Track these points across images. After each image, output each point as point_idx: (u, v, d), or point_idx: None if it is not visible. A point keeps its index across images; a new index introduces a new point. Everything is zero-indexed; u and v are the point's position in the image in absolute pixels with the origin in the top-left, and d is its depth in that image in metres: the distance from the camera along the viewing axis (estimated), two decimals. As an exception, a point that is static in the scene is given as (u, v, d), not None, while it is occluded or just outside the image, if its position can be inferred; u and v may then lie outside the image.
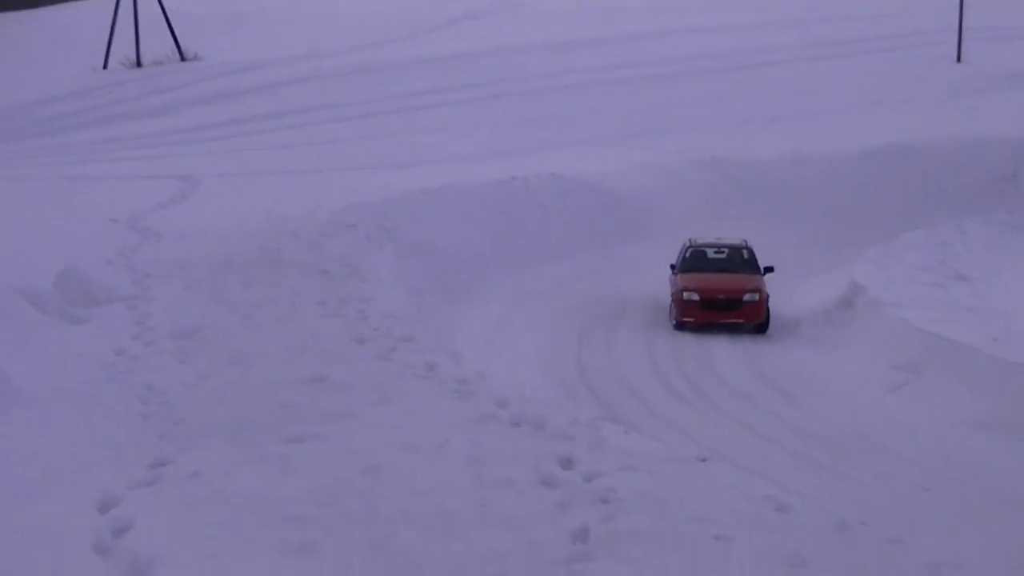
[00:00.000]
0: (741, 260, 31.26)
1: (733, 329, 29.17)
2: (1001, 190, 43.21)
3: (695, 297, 29.28)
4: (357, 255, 27.76)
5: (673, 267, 30.89)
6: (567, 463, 13.74)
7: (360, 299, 23.51)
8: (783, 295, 30.23)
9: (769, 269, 30.61)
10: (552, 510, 12.24)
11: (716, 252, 31.52)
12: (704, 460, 15.74)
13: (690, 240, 32.06)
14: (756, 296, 29.39)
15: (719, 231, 33.82)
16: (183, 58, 72.80)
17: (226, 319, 21.01)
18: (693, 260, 31.08)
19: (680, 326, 29.34)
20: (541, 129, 50.92)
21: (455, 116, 54.72)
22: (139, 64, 71.88)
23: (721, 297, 29.40)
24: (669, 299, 30.28)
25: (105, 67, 71.18)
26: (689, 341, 28.49)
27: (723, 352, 27.56)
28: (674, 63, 65.16)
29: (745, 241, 31.95)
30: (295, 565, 10.79)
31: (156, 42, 72.43)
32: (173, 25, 72.08)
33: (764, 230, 36.07)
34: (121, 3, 73.86)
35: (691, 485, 13.25)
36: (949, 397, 23.29)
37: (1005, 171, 44.33)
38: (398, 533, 11.51)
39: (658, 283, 31.23)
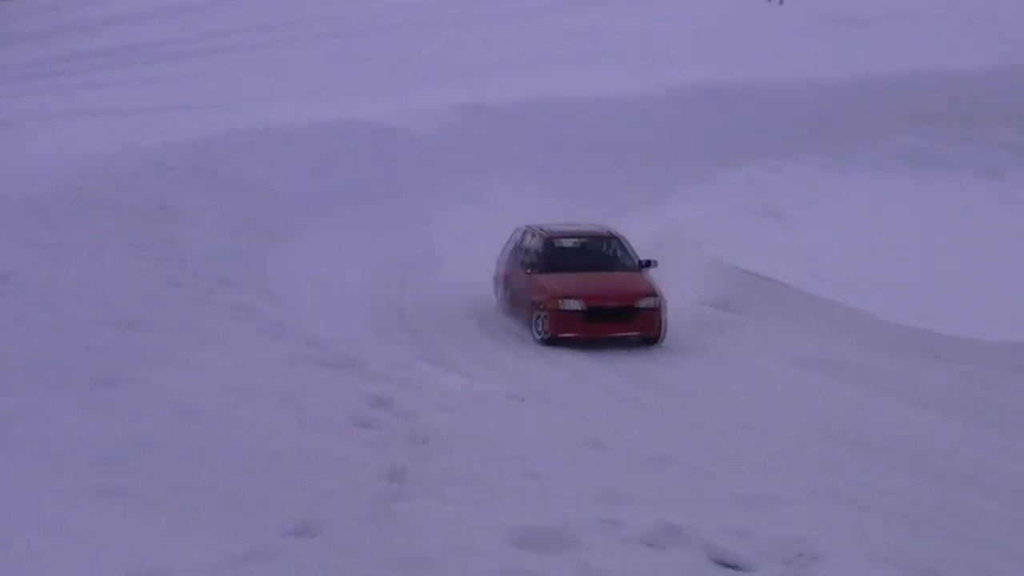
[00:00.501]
0: (613, 254, 25.27)
1: (619, 344, 23.60)
2: (817, 131, 43.97)
3: (577, 306, 23.40)
4: (174, 196, 27.46)
5: (532, 266, 24.56)
6: (385, 403, 13.80)
7: (177, 241, 23.30)
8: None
9: (649, 263, 24.82)
10: (370, 450, 12.27)
11: (578, 243, 25.58)
12: (521, 399, 15.93)
13: (532, 227, 25.73)
14: (654, 302, 23.57)
15: (523, 177, 33.33)
16: (-6, -4, 70.91)
17: (36, 262, 20.50)
18: (553, 256, 24.81)
19: (553, 342, 23.38)
20: (355, 71, 50.60)
21: (279, 56, 54.17)
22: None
23: (612, 305, 23.61)
24: (504, 302, 25.57)
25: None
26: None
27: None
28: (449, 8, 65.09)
29: (610, 230, 25.94)
30: (109, 509, 10.64)
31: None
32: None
33: (576, 170, 36.18)
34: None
35: (508, 424, 13.40)
36: (766, 335, 23.79)
37: (822, 112, 45.12)
38: (215, 476, 11.42)
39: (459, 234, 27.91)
